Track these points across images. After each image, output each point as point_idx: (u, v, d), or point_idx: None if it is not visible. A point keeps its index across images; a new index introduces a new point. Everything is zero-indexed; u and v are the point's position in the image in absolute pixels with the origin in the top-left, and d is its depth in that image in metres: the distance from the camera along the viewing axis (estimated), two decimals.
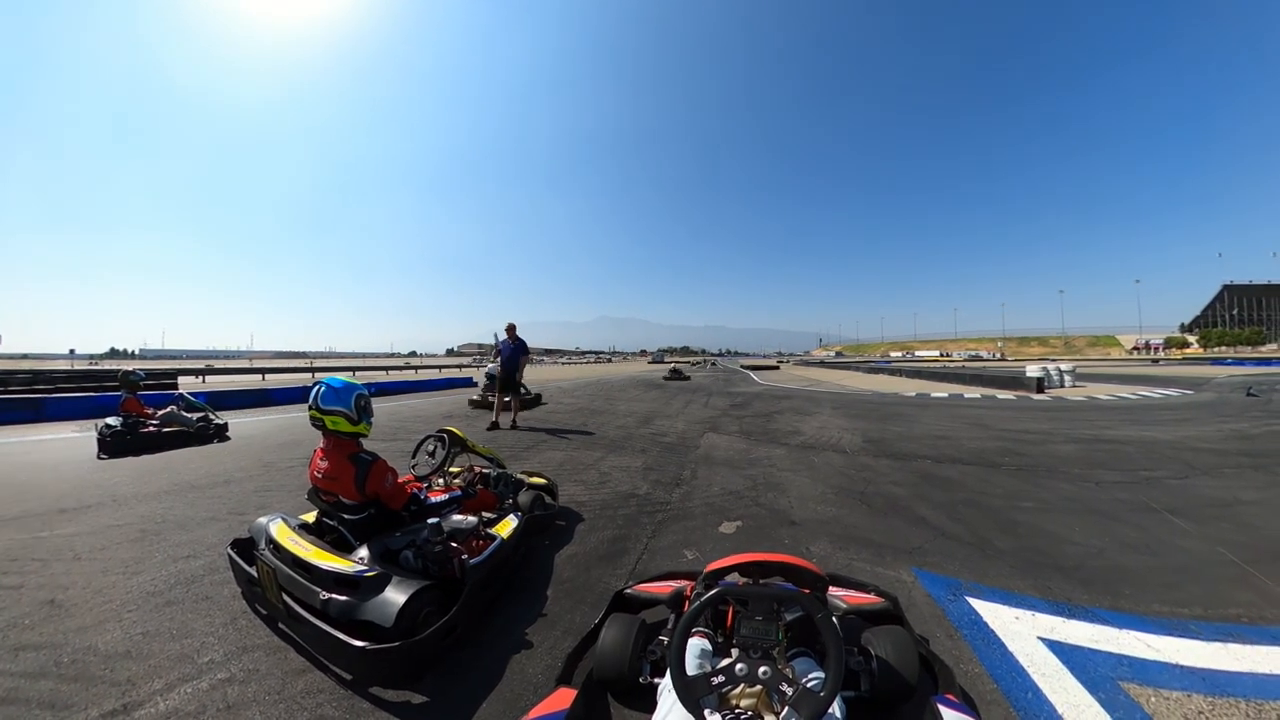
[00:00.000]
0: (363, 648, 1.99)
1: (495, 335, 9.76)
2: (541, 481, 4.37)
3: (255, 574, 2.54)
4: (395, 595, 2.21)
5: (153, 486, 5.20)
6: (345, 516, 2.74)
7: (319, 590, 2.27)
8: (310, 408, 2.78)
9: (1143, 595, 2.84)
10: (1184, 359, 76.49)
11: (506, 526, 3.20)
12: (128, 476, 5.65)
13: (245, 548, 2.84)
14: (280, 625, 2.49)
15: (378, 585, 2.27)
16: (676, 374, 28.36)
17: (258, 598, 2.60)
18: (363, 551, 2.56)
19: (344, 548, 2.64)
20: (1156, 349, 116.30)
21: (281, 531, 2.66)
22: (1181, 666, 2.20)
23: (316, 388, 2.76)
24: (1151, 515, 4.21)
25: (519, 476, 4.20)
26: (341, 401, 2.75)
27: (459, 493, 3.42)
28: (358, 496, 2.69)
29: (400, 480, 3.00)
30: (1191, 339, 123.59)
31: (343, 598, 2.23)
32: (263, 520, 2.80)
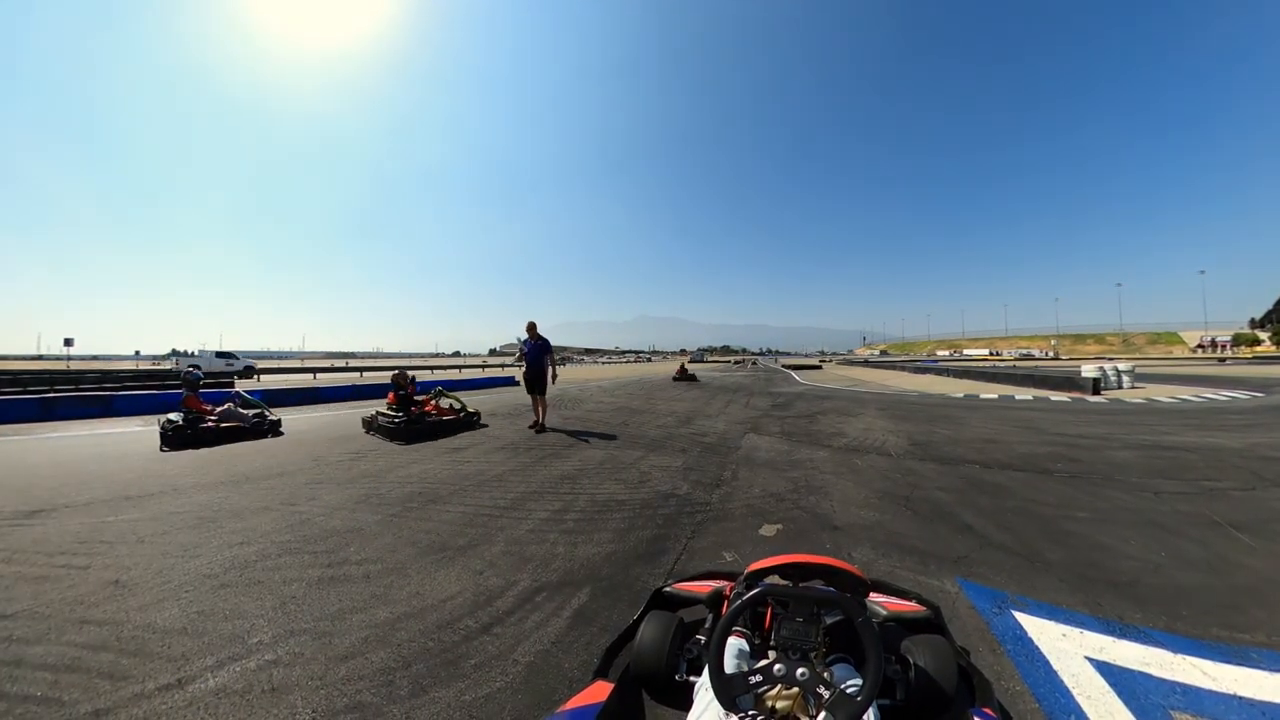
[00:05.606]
0: None
1: (518, 338, 9.90)
2: None
3: None
4: None
5: (210, 477, 5.50)
6: None
7: None
8: None
9: (1201, 618, 2.67)
10: (1254, 357, 71.47)
11: None
12: (187, 468, 6.01)
13: None
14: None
15: None
16: (691, 376, 24.93)
17: None
18: None
19: None
20: (1223, 347, 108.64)
21: None
22: (1240, 698, 2.05)
23: None
24: (1214, 530, 3.95)
25: None
26: None
27: None
28: None
29: None
30: (1263, 336, 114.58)
31: None
32: None
